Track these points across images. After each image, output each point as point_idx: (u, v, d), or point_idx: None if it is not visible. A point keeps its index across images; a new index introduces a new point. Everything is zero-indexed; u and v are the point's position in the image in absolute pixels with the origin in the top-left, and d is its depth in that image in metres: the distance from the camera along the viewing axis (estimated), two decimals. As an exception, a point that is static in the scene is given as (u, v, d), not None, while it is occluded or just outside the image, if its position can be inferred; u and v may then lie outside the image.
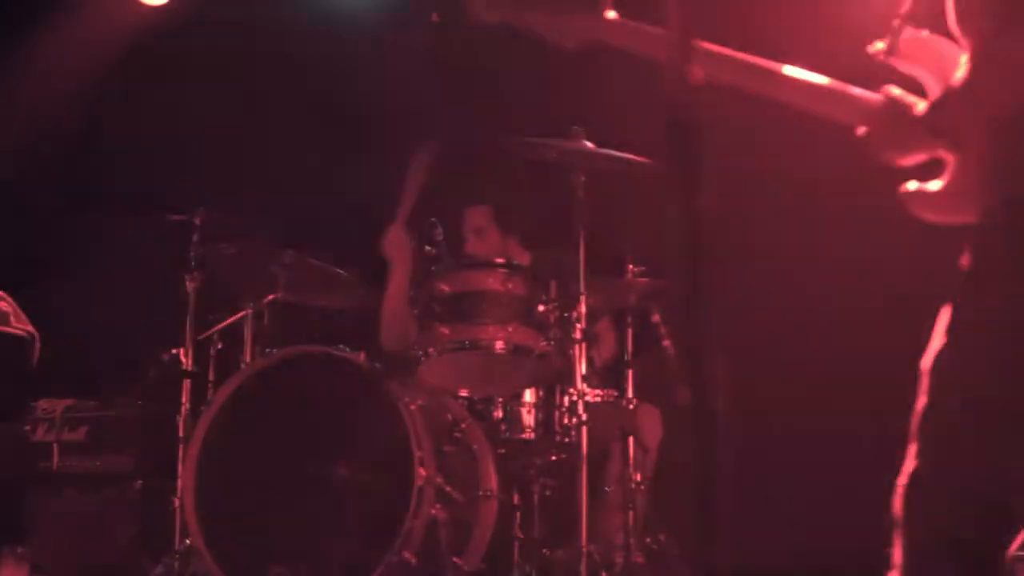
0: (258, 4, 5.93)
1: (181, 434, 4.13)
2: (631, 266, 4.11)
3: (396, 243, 4.46)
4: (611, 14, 2.04)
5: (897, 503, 1.80)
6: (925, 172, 1.90)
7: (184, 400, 4.15)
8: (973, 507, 1.74)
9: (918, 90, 1.95)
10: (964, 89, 1.83)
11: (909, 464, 1.81)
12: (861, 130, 1.94)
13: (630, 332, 4.15)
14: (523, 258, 4.77)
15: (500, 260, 4.25)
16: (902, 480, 1.81)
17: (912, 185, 1.88)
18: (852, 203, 4.77)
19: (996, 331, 1.76)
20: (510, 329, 3.81)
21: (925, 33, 1.98)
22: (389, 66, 5.98)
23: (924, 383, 1.81)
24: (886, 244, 4.78)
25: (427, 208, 4.60)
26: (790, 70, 2.01)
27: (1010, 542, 1.76)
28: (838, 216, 5.03)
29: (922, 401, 1.81)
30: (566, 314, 3.92)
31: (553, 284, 4.03)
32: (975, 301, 1.79)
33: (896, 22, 1.99)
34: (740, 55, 2.01)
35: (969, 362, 1.77)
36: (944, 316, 1.81)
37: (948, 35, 1.94)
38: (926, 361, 1.82)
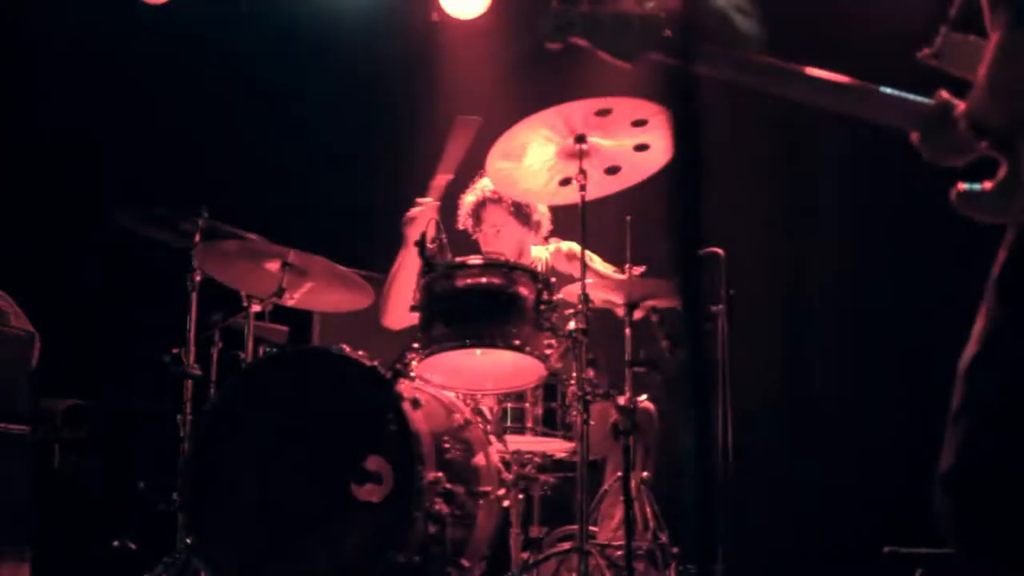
0: (260, 4, 5.94)
1: (181, 434, 4.12)
2: (630, 266, 4.10)
3: (417, 220, 4.48)
4: (667, 31, 2.06)
5: (937, 500, 1.85)
6: (980, 172, 1.94)
7: (184, 400, 4.14)
8: (1008, 505, 1.78)
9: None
10: (993, 86, 1.85)
11: (945, 462, 1.85)
12: (915, 135, 1.98)
13: (629, 332, 4.15)
14: (527, 253, 4.79)
15: (503, 259, 4.24)
16: (939, 477, 1.85)
17: (964, 185, 1.91)
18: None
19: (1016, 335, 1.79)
20: (511, 328, 3.81)
21: (972, 37, 2.01)
22: (390, 66, 5.98)
23: (959, 386, 1.85)
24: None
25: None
26: (843, 79, 2.04)
27: None
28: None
29: (956, 403, 1.84)
30: (568, 312, 3.92)
31: (555, 283, 4.03)
32: (1009, 307, 1.82)
33: (943, 27, 2.02)
34: (800, 68, 2.04)
35: (1002, 368, 1.80)
36: (978, 321, 1.84)
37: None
38: (961, 364, 1.85)
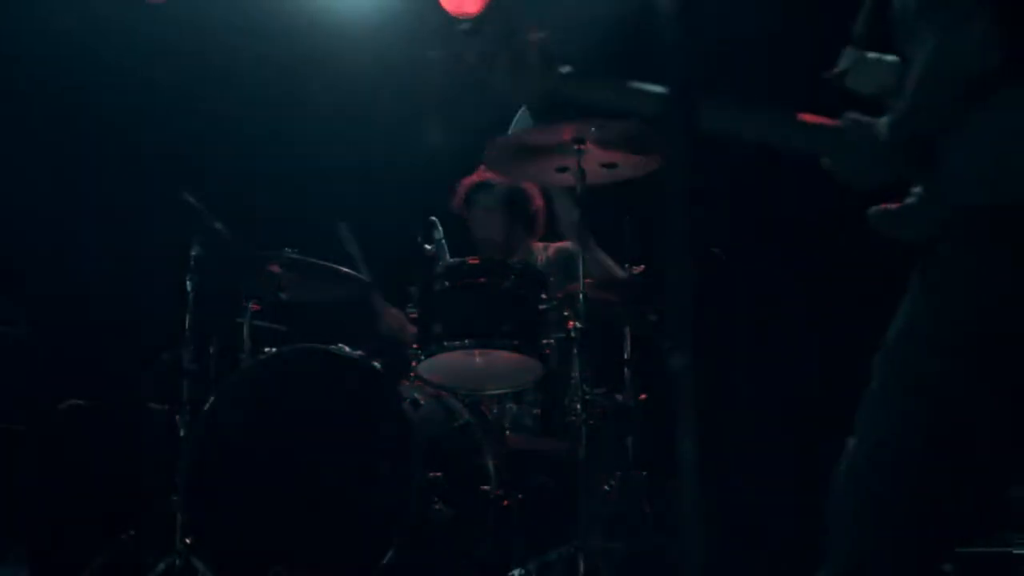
0: (263, 2, 5.94)
1: (181, 434, 4.12)
2: (629, 265, 4.10)
3: None
4: (565, 69, 2.04)
5: (835, 482, 1.86)
6: (896, 191, 1.92)
7: (184, 400, 4.14)
8: (902, 488, 1.79)
9: (877, 112, 1.95)
10: (921, 94, 1.84)
11: (850, 443, 1.87)
12: (825, 161, 1.96)
13: (628, 331, 4.15)
14: (525, 249, 4.78)
15: (500, 258, 4.24)
16: (842, 459, 1.87)
17: (882, 204, 1.91)
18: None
19: (941, 332, 1.79)
20: (511, 327, 3.81)
21: (876, 55, 1.99)
22: (391, 65, 5.98)
23: (874, 373, 1.87)
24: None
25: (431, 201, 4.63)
26: (762, 108, 2.02)
27: (944, 525, 1.81)
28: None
29: (870, 388, 1.87)
30: (566, 312, 3.92)
31: (553, 282, 4.03)
32: (923, 306, 1.82)
33: (849, 47, 2.00)
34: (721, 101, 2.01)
35: (913, 356, 1.81)
36: (897, 317, 1.85)
37: (899, 55, 1.95)
38: (878, 356, 1.87)
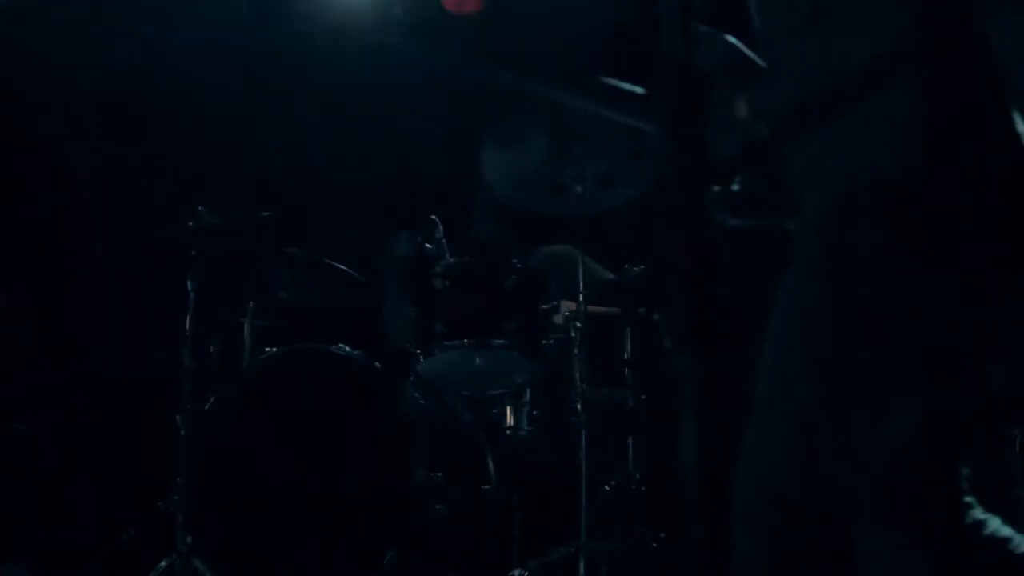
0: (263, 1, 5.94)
1: (181, 434, 4.12)
2: (631, 265, 4.11)
3: None
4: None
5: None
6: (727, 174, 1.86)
7: (184, 400, 4.13)
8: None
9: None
10: (772, 82, 1.79)
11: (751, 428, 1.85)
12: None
13: (630, 331, 4.15)
14: (522, 251, 4.79)
15: (499, 258, 4.25)
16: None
17: (714, 188, 1.84)
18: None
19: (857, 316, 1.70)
20: (511, 327, 3.81)
21: (710, 30, 1.92)
22: (390, 64, 5.98)
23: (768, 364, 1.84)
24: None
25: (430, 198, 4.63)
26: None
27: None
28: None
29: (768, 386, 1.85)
30: (566, 312, 3.93)
31: (553, 282, 4.03)
32: (828, 291, 1.73)
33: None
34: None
35: (832, 341, 1.73)
36: (790, 309, 1.80)
37: (737, 34, 1.90)
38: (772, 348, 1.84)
